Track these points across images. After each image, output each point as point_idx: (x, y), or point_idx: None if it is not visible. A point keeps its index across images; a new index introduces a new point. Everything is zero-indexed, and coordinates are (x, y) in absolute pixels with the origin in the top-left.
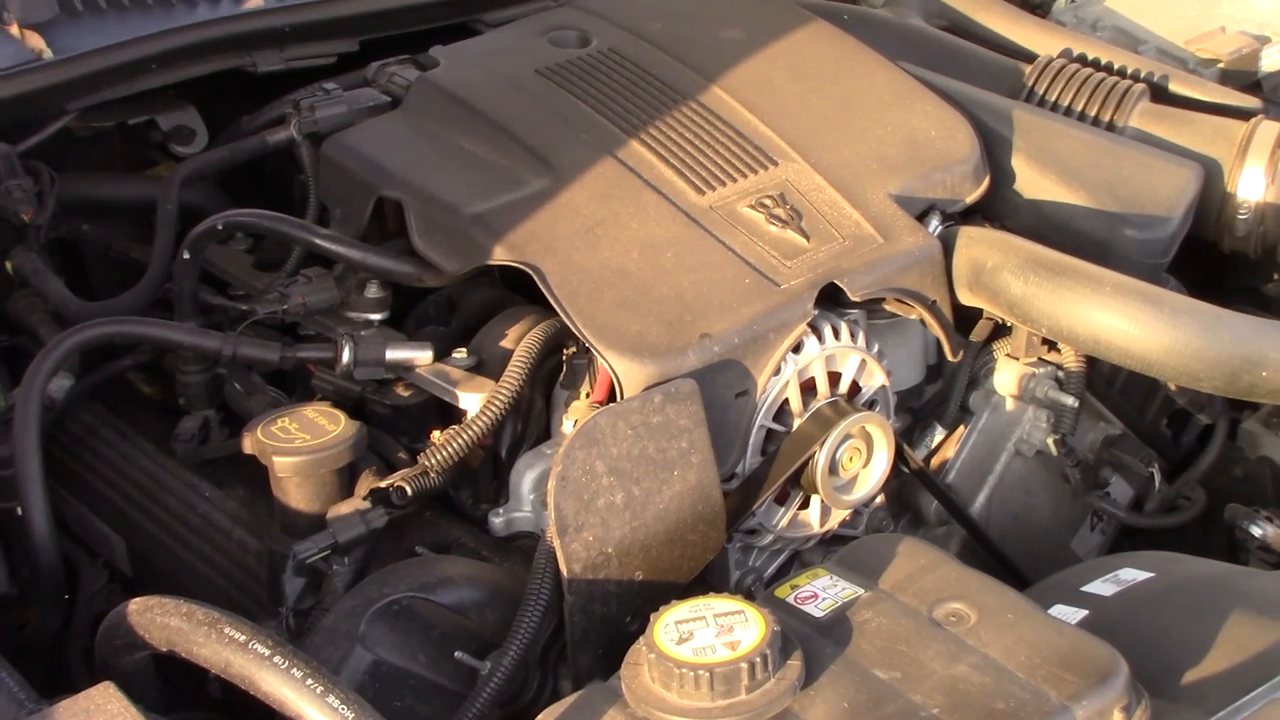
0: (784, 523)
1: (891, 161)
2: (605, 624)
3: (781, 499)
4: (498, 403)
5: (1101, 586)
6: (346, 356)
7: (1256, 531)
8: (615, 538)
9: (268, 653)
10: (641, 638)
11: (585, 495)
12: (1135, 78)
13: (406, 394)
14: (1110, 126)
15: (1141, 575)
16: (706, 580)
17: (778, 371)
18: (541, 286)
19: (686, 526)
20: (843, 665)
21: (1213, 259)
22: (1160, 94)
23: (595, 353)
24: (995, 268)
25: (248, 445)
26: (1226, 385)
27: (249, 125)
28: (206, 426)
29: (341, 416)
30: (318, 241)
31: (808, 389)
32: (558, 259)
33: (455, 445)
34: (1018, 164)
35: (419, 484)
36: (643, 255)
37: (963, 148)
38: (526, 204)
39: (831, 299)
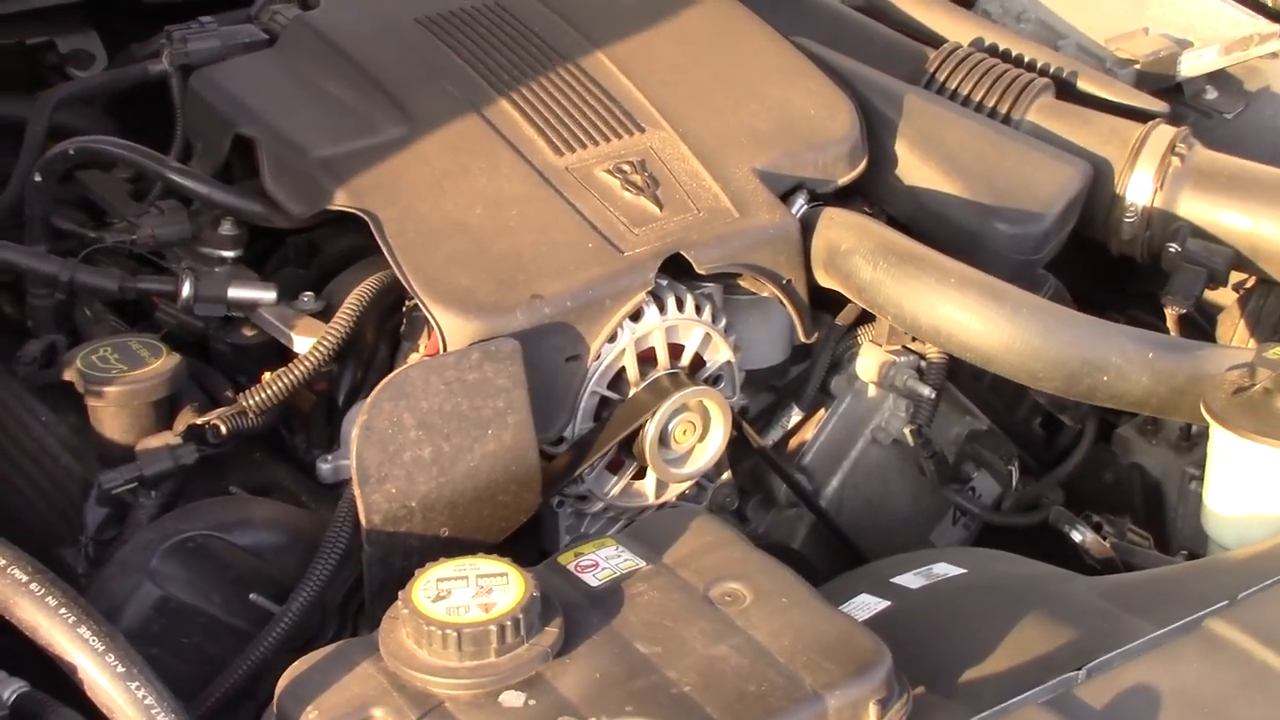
0: (615, 491)
1: (763, 137)
2: (405, 578)
3: (615, 467)
4: (323, 347)
5: (911, 579)
6: (186, 290)
7: (1076, 536)
8: (420, 492)
9: (25, 579)
10: (401, 592)
11: (390, 447)
12: (1043, 72)
13: (250, 334)
14: (1006, 119)
15: (954, 571)
16: (540, 545)
17: (614, 338)
18: (376, 234)
19: (498, 486)
20: (605, 636)
21: (1119, 261)
22: (1067, 91)
23: (421, 305)
24: (848, 251)
25: (68, 373)
26: (1066, 387)
27: (138, 53)
28: (52, 350)
29: (164, 349)
30: (167, 174)
31: (647, 359)
32: (398, 208)
33: (275, 387)
34: (900, 149)
35: (235, 423)
36: (486, 211)
37: (840, 128)
38: (377, 151)
39: (686, 271)
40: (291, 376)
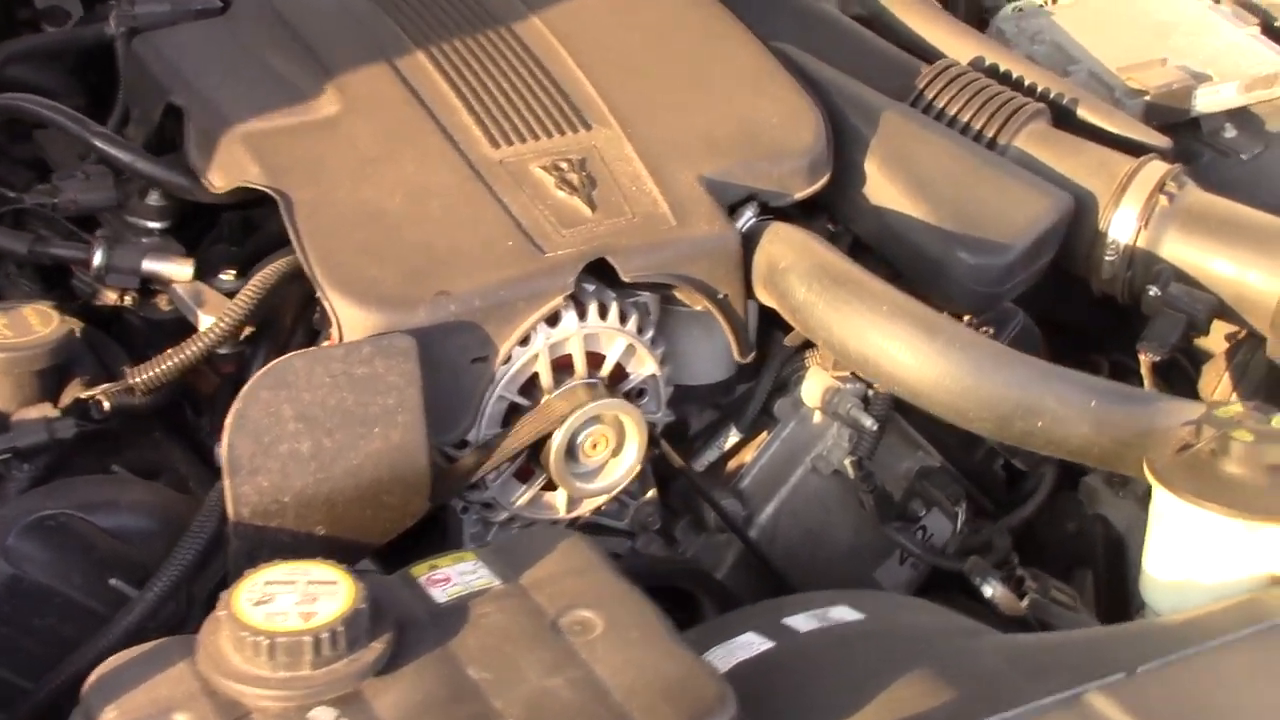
0: (523, 501)
1: (717, 143)
2: None
3: (525, 476)
4: (219, 327)
5: (803, 621)
6: (98, 259)
7: (987, 591)
8: (295, 487)
9: None
10: (224, 592)
11: (265, 438)
12: (1042, 97)
13: (167, 309)
14: (992, 143)
15: (851, 616)
16: (447, 549)
17: (526, 342)
18: (284, 216)
19: (382, 487)
20: (437, 657)
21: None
22: (1066, 118)
23: (319, 293)
24: (786, 269)
25: None
26: (997, 429)
27: (101, 13)
28: None
29: (57, 318)
30: (89, 138)
31: (563, 366)
32: (314, 190)
33: (165, 366)
34: (870, 166)
35: (119, 399)
36: (407, 200)
37: (802, 140)
38: (304, 130)
39: (616, 278)
40: (182, 356)
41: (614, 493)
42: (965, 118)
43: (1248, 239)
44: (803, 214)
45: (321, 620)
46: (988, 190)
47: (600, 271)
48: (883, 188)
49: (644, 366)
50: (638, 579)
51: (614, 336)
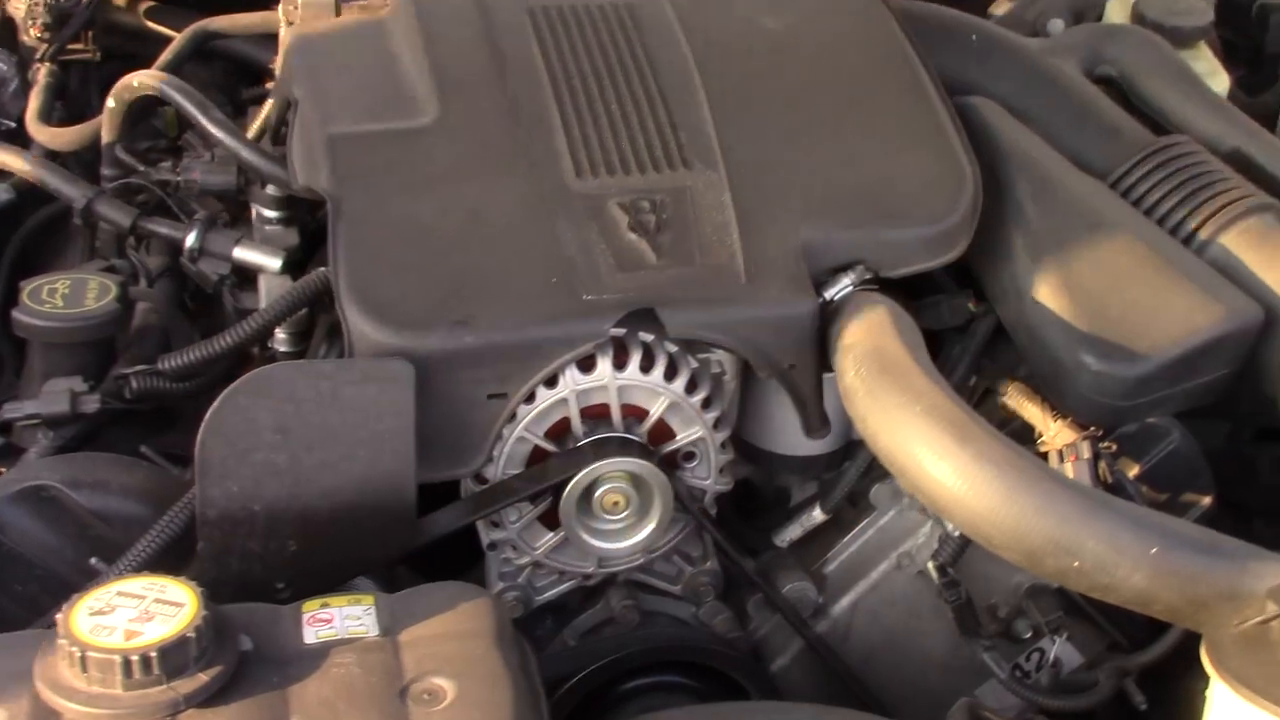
0: (543, 548)
1: (831, 201)
2: (245, 581)
3: (553, 523)
4: (251, 323)
5: None
6: (190, 241)
7: None
8: (266, 498)
9: None
10: (76, 594)
11: (240, 445)
12: None
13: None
14: (1190, 237)
15: None
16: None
17: (554, 384)
18: (330, 221)
19: (362, 513)
20: (268, 700)
21: None
22: None
23: (337, 304)
24: (848, 346)
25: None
26: (1027, 563)
27: None
28: None
29: (113, 292)
30: (201, 120)
31: (599, 415)
32: (371, 199)
33: (193, 355)
34: (1025, 246)
35: (146, 382)
36: (465, 221)
37: (934, 209)
38: (386, 138)
39: None
40: (211, 348)
41: (634, 554)
42: (1168, 205)
43: None
44: (939, 288)
45: (141, 642)
46: (1146, 291)
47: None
48: (1031, 272)
49: (692, 428)
50: (654, 652)
51: (657, 394)
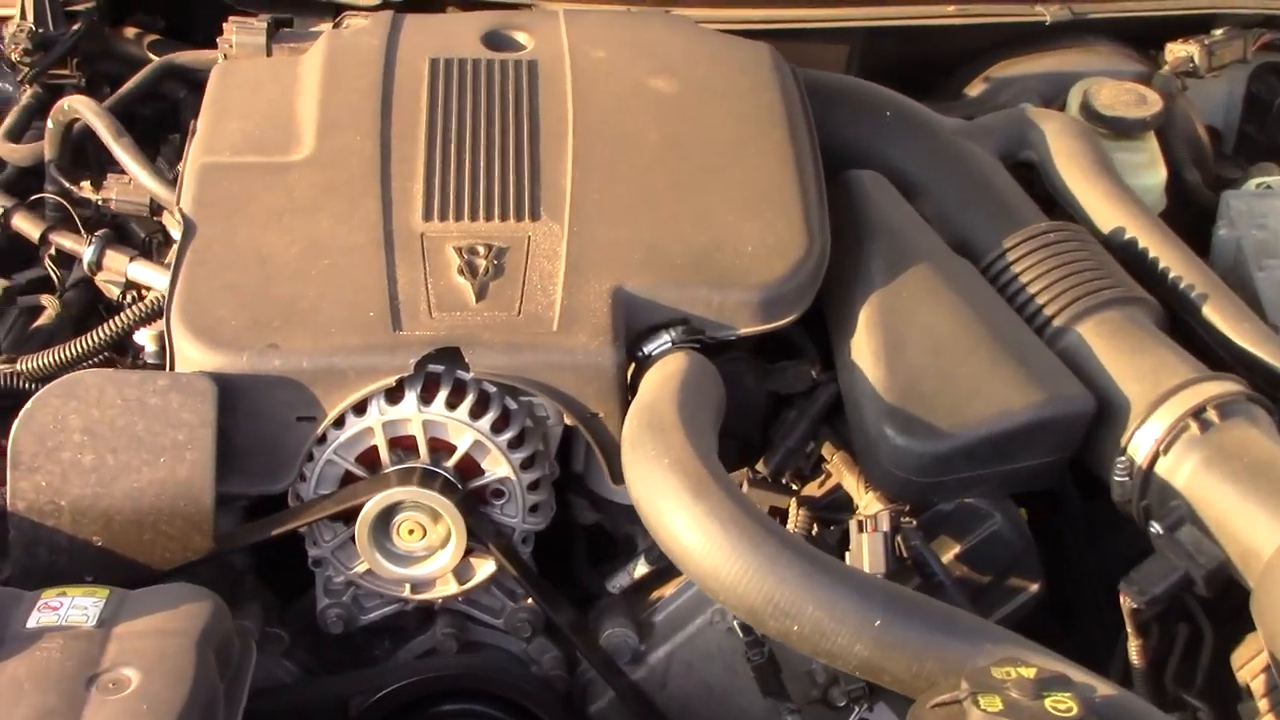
0: (357, 570)
1: (660, 260)
2: (54, 572)
3: None
4: (98, 335)
5: None
6: (88, 256)
7: None
8: (72, 494)
9: None
10: None
11: (49, 442)
12: (1169, 287)
13: None
14: (1044, 325)
15: None
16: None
17: (362, 412)
18: (179, 244)
19: (162, 516)
20: None
21: None
22: (1191, 315)
23: (165, 322)
24: (636, 403)
25: None
26: (752, 621)
27: None
28: None
29: None
30: (111, 145)
31: (407, 446)
32: (222, 227)
33: (52, 357)
34: (864, 318)
35: (7, 382)
36: (302, 253)
37: (765, 275)
38: (255, 170)
39: None
40: (65, 353)
41: (433, 583)
42: (1034, 290)
43: (1273, 491)
44: (796, 353)
45: None
46: (969, 371)
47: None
48: (864, 343)
49: (499, 467)
50: (439, 681)
51: (463, 430)
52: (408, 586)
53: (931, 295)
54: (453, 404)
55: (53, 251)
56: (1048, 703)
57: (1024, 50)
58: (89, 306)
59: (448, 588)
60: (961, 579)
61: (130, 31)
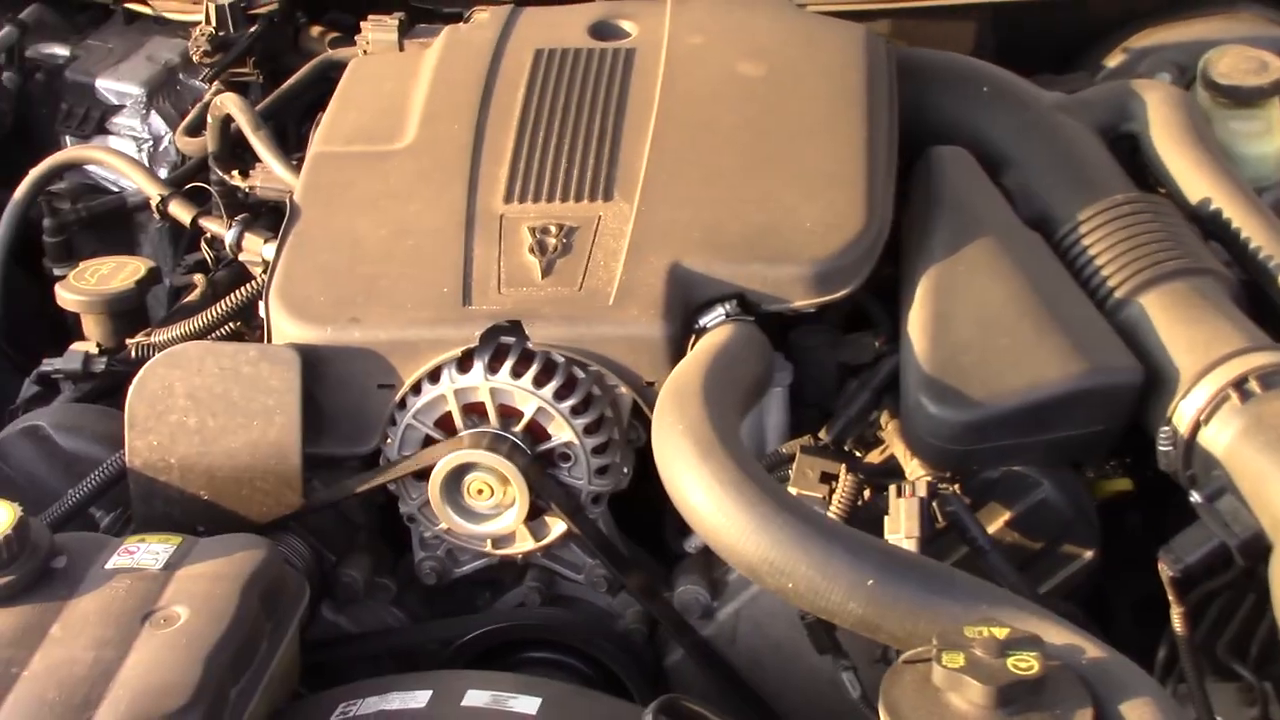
0: (444, 525)
1: (717, 236)
2: (169, 520)
3: None
4: (220, 309)
5: (476, 697)
6: (229, 238)
7: None
8: (180, 452)
9: None
10: None
11: (158, 406)
12: (1254, 258)
13: None
14: (1106, 297)
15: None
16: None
17: (437, 380)
18: (283, 227)
19: (256, 474)
20: (43, 607)
21: None
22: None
23: (263, 298)
24: (674, 373)
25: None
26: (754, 578)
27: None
28: None
29: (140, 274)
30: (250, 137)
31: (481, 412)
32: (322, 211)
33: (180, 330)
34: (920, 291)
35: (142, 351)
36: (389, 235)
37: (819, 250)
38: (364, 159)
39: None
40: (191, 326)
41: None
42: (1100, 262)
43: None
44: (837, 325)
45: None
46: (1014, 341)
47: None
48: (916, 316)
49: (563, 432)
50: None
51: (528, 397)
52: (488, 542)
53: (988, 269)
54: (518, 373)
55: (208, 235)
56: (1010, 661)
57: (1164, 19)
58: (236, 285)
59: (526, 544)
60: (1012, 545)
61: (315, 30)
